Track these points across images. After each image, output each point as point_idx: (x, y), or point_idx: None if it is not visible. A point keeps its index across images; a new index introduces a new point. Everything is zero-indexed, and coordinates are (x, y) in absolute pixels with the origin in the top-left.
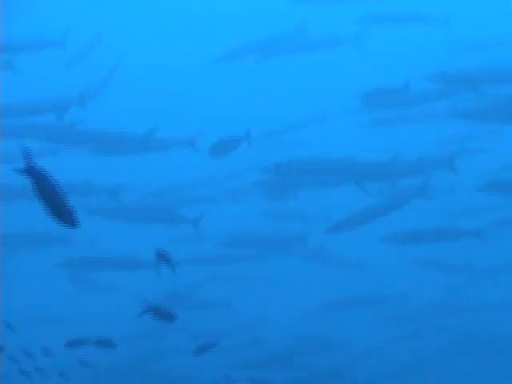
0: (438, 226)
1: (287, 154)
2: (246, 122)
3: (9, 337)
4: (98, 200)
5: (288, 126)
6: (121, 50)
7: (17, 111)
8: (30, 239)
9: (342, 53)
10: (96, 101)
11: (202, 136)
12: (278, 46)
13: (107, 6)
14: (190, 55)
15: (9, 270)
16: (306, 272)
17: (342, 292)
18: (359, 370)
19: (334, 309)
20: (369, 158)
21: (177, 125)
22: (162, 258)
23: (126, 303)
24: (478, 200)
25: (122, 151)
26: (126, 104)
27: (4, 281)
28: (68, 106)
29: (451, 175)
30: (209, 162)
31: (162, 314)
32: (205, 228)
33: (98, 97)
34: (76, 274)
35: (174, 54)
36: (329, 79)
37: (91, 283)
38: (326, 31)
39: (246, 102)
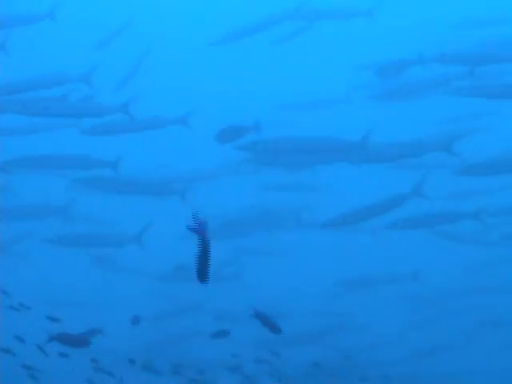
0: (438, 208)
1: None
2: (255, 99)
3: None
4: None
5: (295, 102)
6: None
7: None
8: (27, 212)
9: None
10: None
11: (195, 114)
12: (287, 17)
13: None
14: (193, 36)
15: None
16: (317, 246)
17: (356, 270)
18: (374, 353)
19: (348, 287)
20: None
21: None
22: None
23: (135, 282)
24: (476, 180)
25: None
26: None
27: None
28: (67, 82)
29: (449, 156)
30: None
31: (268, 323)
32: (206, 204)
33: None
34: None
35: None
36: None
37: (91, 260)
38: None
39: (256, 78)
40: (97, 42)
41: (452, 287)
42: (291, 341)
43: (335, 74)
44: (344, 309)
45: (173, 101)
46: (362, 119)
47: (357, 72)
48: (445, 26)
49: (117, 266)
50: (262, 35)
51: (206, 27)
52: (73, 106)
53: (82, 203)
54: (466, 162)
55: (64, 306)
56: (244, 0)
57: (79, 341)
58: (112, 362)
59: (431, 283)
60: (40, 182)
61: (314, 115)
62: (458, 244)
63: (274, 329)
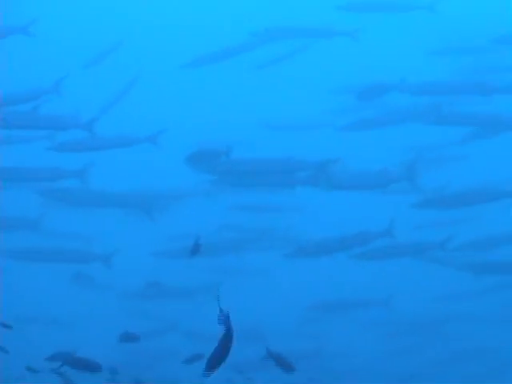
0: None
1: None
2: (235, 122)
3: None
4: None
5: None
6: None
7: None
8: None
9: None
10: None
11: (165, 133)
12: (265, 39)
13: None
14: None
15: None
16: (287, 268)
17: (327, 294)
18: (349, 379)
19: (322, 311)
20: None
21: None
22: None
23: (106, 299)
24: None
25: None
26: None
27: None
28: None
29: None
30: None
31: (281, 362)
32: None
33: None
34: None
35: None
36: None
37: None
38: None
39: (237, 100)
40: (85, 62)
41: (428, 315)
42: (264, 364)
43: (316, 97)
44: (318, 333)
45: (155, 121)
46: (337, 143)
47: (338, 95)
48: (425, 53)
49: (87, 283)
50: (243, 57)
51: (190, 48)
52: (40, 118)
53: (52, 216)
54: (426, 194)
55: (35, 322)
56: (227, 25)
57: (92, 366)
58: (81, 377)
59: (407, 310)
60: (10, 194)
61: (293, 137)
62: (435, 271)
63: (288, 368)
